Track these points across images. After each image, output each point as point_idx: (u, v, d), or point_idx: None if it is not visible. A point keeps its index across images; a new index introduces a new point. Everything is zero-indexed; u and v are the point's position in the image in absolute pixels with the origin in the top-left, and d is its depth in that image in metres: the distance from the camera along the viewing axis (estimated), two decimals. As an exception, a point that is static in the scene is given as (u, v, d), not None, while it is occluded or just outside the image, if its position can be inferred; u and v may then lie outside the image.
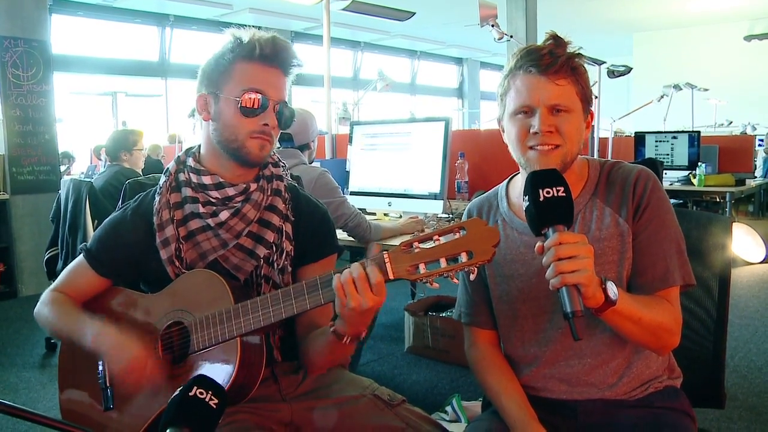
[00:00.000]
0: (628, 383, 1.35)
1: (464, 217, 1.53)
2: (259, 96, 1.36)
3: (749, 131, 10.25)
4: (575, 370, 1.36)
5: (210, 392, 0.92)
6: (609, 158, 2.01)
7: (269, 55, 1.37)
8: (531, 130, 1.30)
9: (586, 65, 1.37)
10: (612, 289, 1.16)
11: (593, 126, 3.39)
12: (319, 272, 1.27)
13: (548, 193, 1.13)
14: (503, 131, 1.40)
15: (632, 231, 1.33)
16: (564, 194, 1.14)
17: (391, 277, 1.16)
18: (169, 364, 1.37)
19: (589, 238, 1.32)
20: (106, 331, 1.36)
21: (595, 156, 3.25)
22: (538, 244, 1.15)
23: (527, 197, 1.15)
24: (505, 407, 1.38)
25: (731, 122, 10.74)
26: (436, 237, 1.14)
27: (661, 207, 1.34)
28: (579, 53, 1.32)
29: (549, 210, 1.14)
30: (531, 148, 1.32)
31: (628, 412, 1.34)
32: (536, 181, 1.15)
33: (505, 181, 1.51)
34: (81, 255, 1.51)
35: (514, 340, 1.43)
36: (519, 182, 1.45)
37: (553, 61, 1.28)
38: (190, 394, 0.91)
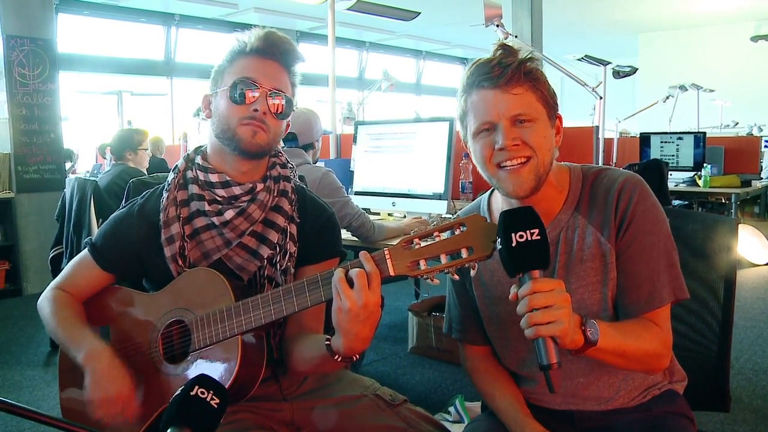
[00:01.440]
0: (625, 395, 1.33)
1: None
2: (248, 82, 1.37)
3: (755, 132, 10.19)
4: (569, 390, 1.33)
5: (211, 392, 0.91)
6: (614, 159, 1.98)
7: (262, 48, 1.39)
8: (496, 147, 1.23)
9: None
10: (593, 329, 1.11)
11: (597, 127, 3.36)
12: None
13: (521, 237, 1.05)
14: (471, 153, 1.32)
15: (615, 250, 1.27)
16: (539, 237, 1.05)
17: (392, 273, 1.14)
18: (156, 404, 1.34)
19: (571, 258, 1.29)
20: (102, 353, 1.34)
21: (600, 158, 3.23)
22: (513, 291, 1.10)
23: (499, 240, 1.07)
24: (500, 408, 1.37)
25: (737, 123, 10.69)
26: (436, 233, 1.14)
27: (647, 220, 1.26)
28: (531, 57, 1.25)
29: (523, 255, 1.06)
30: (500, 167, 1.24)
31: (626, 417, 1.32)
32: (509, 223, 1.07)
33: (487, 194, 1.45)
34: (85, 249, 1.51)
35: (508, 360, 1.41)
36: (500, 195, 1.36)
37: (504, 71, 1.21)
38: (191, 393, 0.90)
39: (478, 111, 1.24)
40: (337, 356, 1.21)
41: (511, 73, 1.21)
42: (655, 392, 1.35)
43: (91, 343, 1.36)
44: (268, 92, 1.38)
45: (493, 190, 1.42)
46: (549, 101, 1.26)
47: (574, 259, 1.29)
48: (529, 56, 1.25)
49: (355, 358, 1.22)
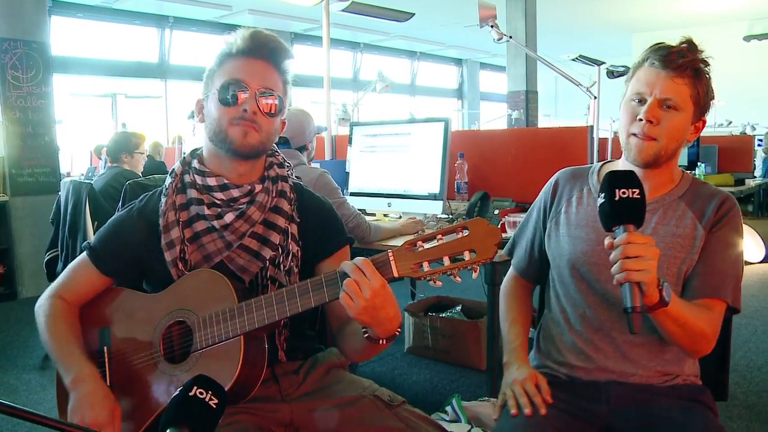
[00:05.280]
0: (659, 369, 1.45)
1: (550, 183, 1.64)
2: (236, 83, 1.38)
3: (748, 131, 10.25)
4: (616, 342, 1.45)
5: (210, 392, 0.92)
6: (608, 159, 2.08)
7: (249, 48, 1.40)
8: (637, 117, 1.39)
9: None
10: (667, 292, 1.23)
11: (592, 127, 3.36)
12: (335, 266, 1.30)
13: (624, 193, 1.21)
14: (620, 114, 1.49)
15: (704, 239, 1.42)
16: (638, 196, 1.21)
17: (396, 275, 1.19)
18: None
19: (666, 230, 1.43)
20: (87, 378, 1.34)
21: (594, 157, 3.26)
22: (608, 240, 1.23)
23: (603, 194, 1.23)
24: (506, 332, 1.61)
25: (730, 122, 10.74)
26: (439, 236, 1.17)
27: (736, 232, 1.43)
28: (704, 60, 1.40)
29: (622, 209, 1.21)
30: (633, 135, 1.41)
31: (658, 401, 1.42)
32: (614, 181, 1.22)
33: (600, 163, 1.62)
34: (84, 253, 1.51)
35: (567, 298, 1.53)
36: (611, 167, 1.53)
37: (677, 60, 1.36)
38: (190, 393, 0.91)
39: (639, 81, 1.41)
40: (381, 341, 1.26)
41: (682, 63, 1.37)
42: (684, 379, 1.47)
43: (79, 367, 1.36)
44: (258, 92, 1.38)
45: (605, 162, 1.62)
46: (700, 102, 1.41)
47: (668, 232, 1.44)
48: (703, 59, 1.40)
49: (398, 332, 1.27)
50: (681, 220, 1.44)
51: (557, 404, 1.43)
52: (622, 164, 1.50)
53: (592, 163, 3.11)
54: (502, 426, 1.45)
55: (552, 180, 1.65)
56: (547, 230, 1.60)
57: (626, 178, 1.23)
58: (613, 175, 1.24)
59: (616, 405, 1.43)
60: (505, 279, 1.74)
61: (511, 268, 1.74)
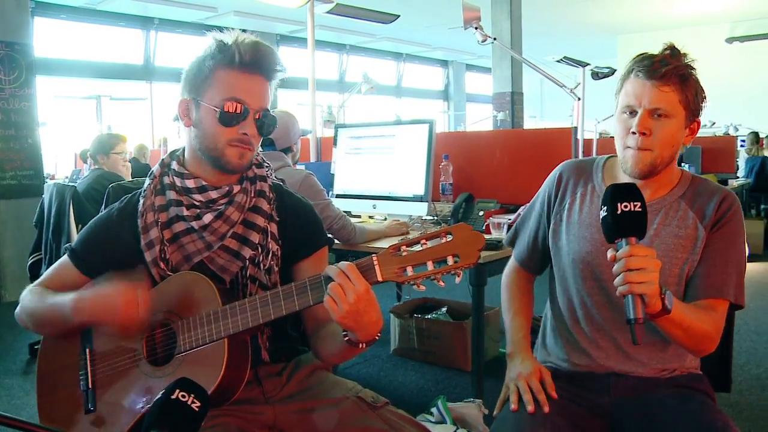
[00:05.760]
0: (659, 366, 1.49)
1: (554, 175, 1.64)
2: (239, 105, 1.36)
3: (731, 132, 10.35)
4: (617, 342, 1.48)
5: (192, 395, 0.92)
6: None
7: (251, 63, 1.36)
8: (630, 130, 1.41)
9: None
10: (669, 299, 1.25)
11: (576, 128, 3.38)
12: (313, 266, 1.32)
13: (626, 207, 1.23)
14: (615, 124, 1.52)
15: (706, 238, 1.45)
16: (640, 209, 1.23)
17: (380, 279, 1.19)
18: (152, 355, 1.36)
19: (668, 231, 1.46)
20: (83, 294, 1.35)
21: (580, 157, 3.28)
22: (611, 252, 1.25)
23: (605, 208, 1.25)
24: (509, 325, 1.64)
25: (714, 123, 10.84)
26: (423, 241, 1.19)
27: (737, 229, 1.45)
28: (688, 65, 1.41)
29: (624, 223, 1.23)
30: (628, 147, 1.43)
31: (657, 391, 1.47)
32: (615, 194, 1.25)
33: (605, 157, 1.62)
34: (65, 255, 1.50)
35: (570, 295, 1.56)
36: (616, 164, 1.56)
37: (661, 69, 1.38)
38: (173, 397, 0.91)
39: (627, 94, 1.44)
40: (360, 345, 1.26)
41: (666, 71, 1.38)
42: (682, 370, 1.52)
43: (74, 294, 1.36)
44: (256, 115, 1.38)
45: (609, 156, 1.63)
46: (691, 106, 1.42)
47: (670, 233, 1.47)
48: (687, 64, 1.42)
49: (377, 336, 1.26)
50: (682, 220, 1.47)
51: (560, 394, 1.47)
52: None
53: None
54: (504, 417, 1.48)
55: (555, 172, 1.65)
56: (551, 225, 1.61)
57: (628, 191, 1.25)
58: (616, 188, 1.26)
59: (616, 395, 1.48)
60: (506, 269, 1.76)
61: (512, 258, 1.75)
